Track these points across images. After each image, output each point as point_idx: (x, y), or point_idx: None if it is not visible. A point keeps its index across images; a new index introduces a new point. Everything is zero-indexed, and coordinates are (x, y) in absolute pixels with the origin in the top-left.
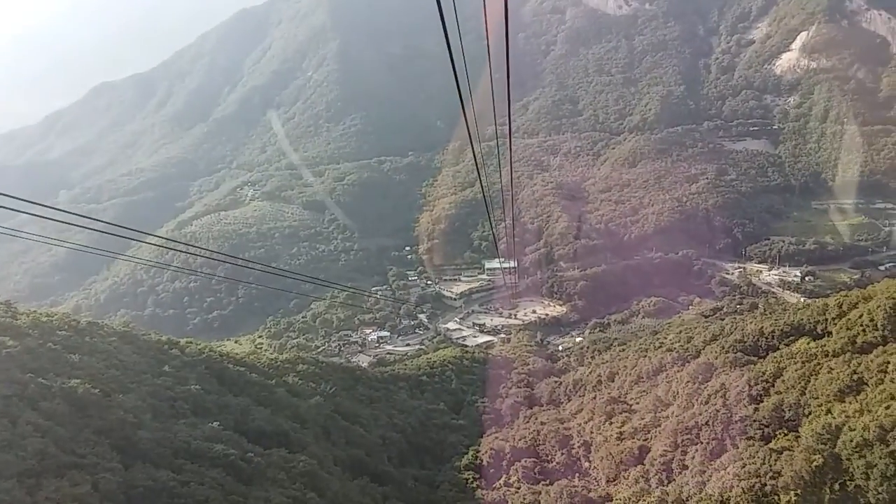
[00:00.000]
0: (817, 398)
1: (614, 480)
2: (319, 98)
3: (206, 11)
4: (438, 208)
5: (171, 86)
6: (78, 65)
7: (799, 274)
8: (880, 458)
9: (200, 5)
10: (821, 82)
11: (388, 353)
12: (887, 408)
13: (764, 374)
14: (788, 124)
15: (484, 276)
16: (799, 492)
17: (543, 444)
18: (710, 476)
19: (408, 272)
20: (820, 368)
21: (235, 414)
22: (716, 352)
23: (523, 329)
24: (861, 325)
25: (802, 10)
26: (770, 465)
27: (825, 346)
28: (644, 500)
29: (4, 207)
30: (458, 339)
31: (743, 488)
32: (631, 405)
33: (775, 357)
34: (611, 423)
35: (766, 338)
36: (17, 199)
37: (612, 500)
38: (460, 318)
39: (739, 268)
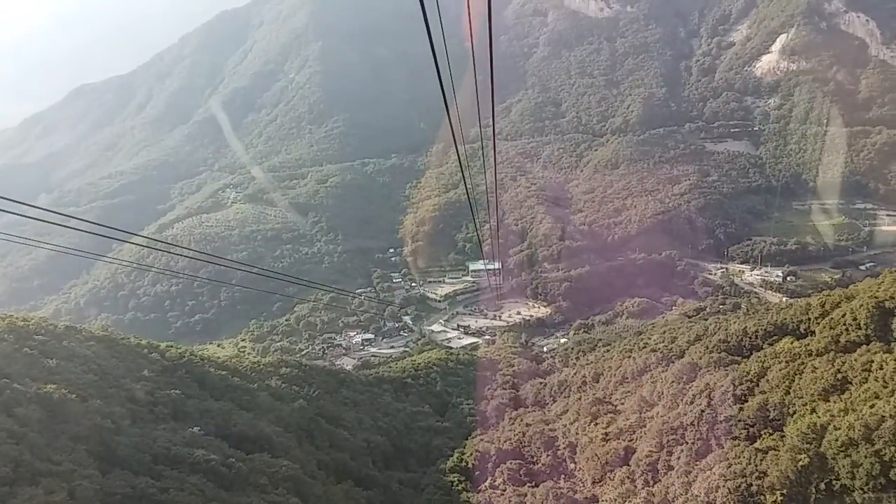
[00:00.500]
0: (802, 398)
1: (600, 481)
2: (302, 100)
3: (186, 13)
4: (422, 210)
5: (151, 88)
6: (57, 67)
7: (781, 274)
8: (866, 457)
9: (181, 7)
10: (801, 84)
11: (373, 356)
12: (872, 407)
13: (748, 373)
14: (769, 126)
15: (468, 278)
16: (785, 492)
17: (529, 445)
18: (696, 476)
19: (392, 274)
20: (804, 368)
21: (217, 418)
22: (700, 352)
23: (508, 330)
24: (844, 325)
25: (782, 13)
26: (756, 465)
27: (809, 345)
28: (630, 502)
29: None
30: (442, 341)
31: (729, 489)
32: (616, 406)
33: (759, 357)
34: (596, 424)
35: (750, 337)
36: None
37: (598, 502)
38: (445, 320)
39: (722, 268)
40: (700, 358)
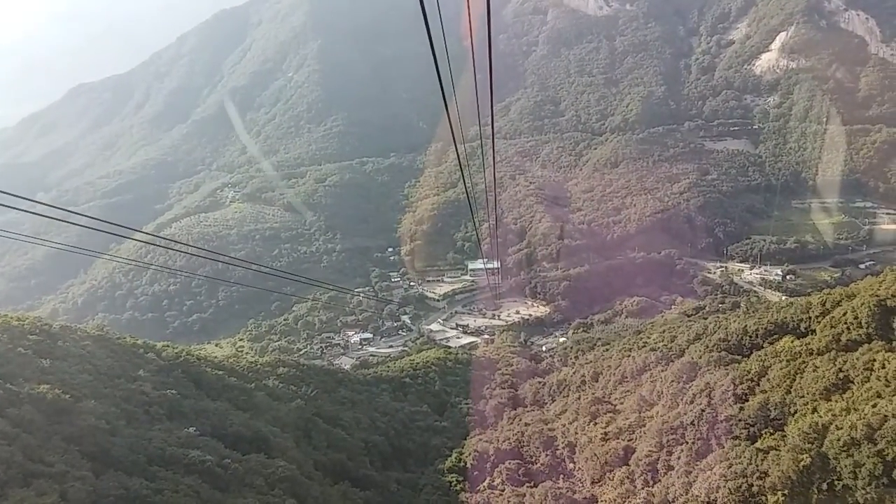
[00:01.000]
0: (803, 397)
1: (599, 481)
2: (300, 99)
3: (184, 12)
4: (421, 209)
5: (149, 87)
6: (55, 67)
7: (780, 273)
8: (868, 457)
9: (179, 6)
10: (800, 82)
11: (371, 355)
12: (874, 406)
13: (749, 372)
14: (768, 124)
15: (467, 277)
16: (786, 492)
17: (528, 445)
18: (697, 477)
19: (391, 273)
20: (805, 367)
21: (213, 419)
22: (700, 351)
23: (507, 330)
24: (845, 323)
25: (781, 11)
26: (757, 466)
27: (809, 344)
28: (630, 502)
29: None
30: (441, 340)
31: (730, 489)
32: (615, 405)
33: (759, 356)
34: (595, 424)
35: (750, 336)
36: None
37: (597, 502)
38: (444, 320)
39: (721, 267)
40: (700, 357)
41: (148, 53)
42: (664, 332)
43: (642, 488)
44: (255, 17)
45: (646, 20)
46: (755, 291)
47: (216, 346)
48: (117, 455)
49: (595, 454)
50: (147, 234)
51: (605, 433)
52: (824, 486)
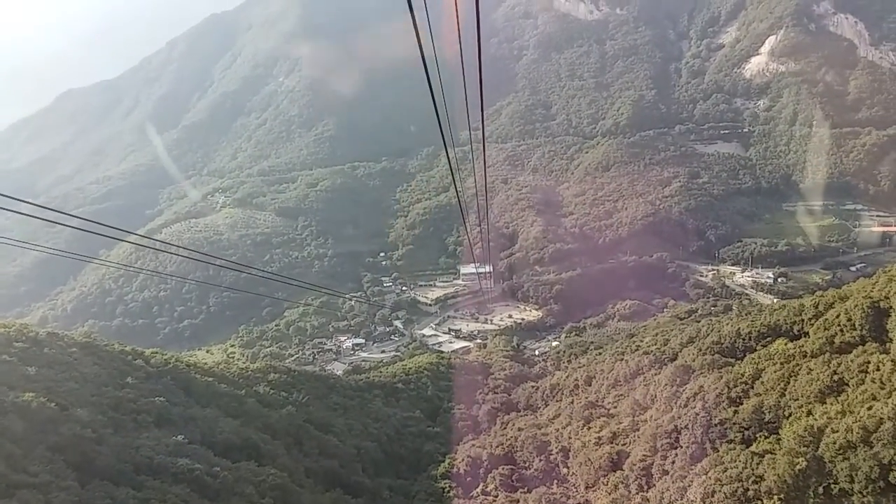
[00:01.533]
0: (797, 400)
1: (593, 487)
2: (291, 104)
3: (174, 17)
4: (413, 214)
5: (139, 92)
6: (44, 72)
7: (771, 275)
8: (864, 460)
9: (169, 11)
10: (790, 85)
11: (364, 361)
12: (869, 409)
13: (742, 375)
14: (758, 127)
15: (459, 282)
16: (782, 496)
17: (521, 450)
18: (692, 481)
19: (382, 278)
20: (799, 369)
21: (202, 426)
22: (693, 354)
23: (499, 334)
24: (839, 326)
25: (771, 15)
26: (752, 470)
27: (803, 346)
28: None
29: None
30: (433, 345)
31: (725, 493)
32: (609, 409)
33: (753, 358)
34: (589, 428)
35: (743, 339)
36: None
37: None
38: (436, 324)
39: (713, 270)
40: (693, 360)
41: (137, 59)
42: (657, 335)
43: (637, 493)
44: (246, 22)
45: (636, 24)
46: (747, 294)
47: (207, 352)
48: (103, 464)
49: (589, 459)
50: (137, 234)
51: (599, 437)
52: (820, 489)
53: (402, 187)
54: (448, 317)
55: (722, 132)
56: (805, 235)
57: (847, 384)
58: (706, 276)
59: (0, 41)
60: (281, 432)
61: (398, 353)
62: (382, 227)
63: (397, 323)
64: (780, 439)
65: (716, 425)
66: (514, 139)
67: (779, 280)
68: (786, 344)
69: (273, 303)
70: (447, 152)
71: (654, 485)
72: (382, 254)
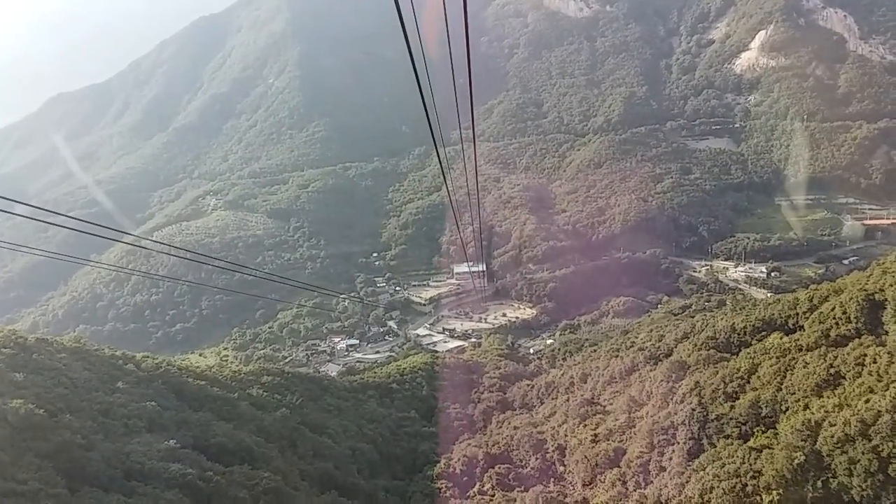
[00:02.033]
0: (794, 394)
1: (590, 484)
2: (282, 105)
3: (163, 20)
4: (405, 213)
5: (128, 96)
6: (33, 76)
7: (765, 270)
8: (863, 453)
9: (158, 14)
10: (780, 80)
11: (358, 362)
12: (867, 402)
13: (738, 370)
14: (750, 122)
15: (453, 281)
16: (781, 491)
17: (517, 449)
18: (690, 477)
19: (376, 279)
20: (795, 363)
21: (195, 430)
22: (688, 349)
23: (494, 333)
24: (834, 319)
25: (760, 10)
26: (750, 465)
27: (798, 340)
28: None
29: None
30: (428, 344)
31: (724, 489)
32: (605, 406)
33: (748, 353)
34: (585, 426)
35: (738, 334)
36: None
37: None
38: (430, 324)
39: (706, 265)
40: (688, 356)
41: (126, 62)
42: (651, 331)
43: (634, 490)
44: (235, 24)
45: (626, 21)
46: (740, 289)
47: (200, 355)
48: (93, 471)
49: (586, 456)
50: (133, 235)
51: (595, 435)
52: (819, 484)
53: (395, 187)
54: (442, 316)
55: (713, 128)
56: (797, 229)
57: (844, 377)
58: (699, 271)
59: None
60: (275, 435)
61: (392, 354)
62: (375, 228)
63: (391, 323)
64: (777, 434)
65: (712, 421)
66: (505, 137)
67: (772, 274)
68: (781, 338)
69: (266, 305)
70: (437, 151)
71: (652, 481)
72: (375, 254)
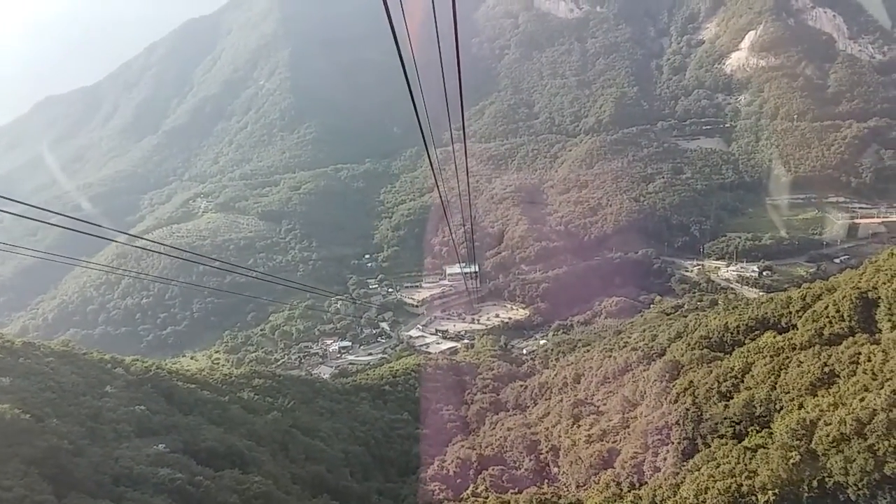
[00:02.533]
0: (788, 393)
1: (584, 485)
2: (272, 107)
3: (153, 22)
4: (397, 215)
5: (118, 98)
6: (22, 79)
7: (756, 269)
8: (859, 452)
9: (147, 16)
10: (770, 80)
11: (350, 364)
12: (862, 400)
13: (732, 369)
14: (740, 122)
15: (445, 282)
16: (777, 491)
17: (511, 450)
18: (684, 478)
19: (368, 280)
20: (789, 362)
21: (184, 434)
22: (681, 349)
23: (487, 334)
24: (827, 317)
25: (750, 10)
26: (745, 465)
27: (792, 339)
28: None
29: None
30: (421, 346)
31: (719, 489)
32: (598, 407)
33: (742, 352)
34: (578, 427)
35: (732, 333)
36: None
37: None
38: (423, 325)
39: (698, 265)
40: (682, 355)
41: (116, 64)
42: (644, 331)
43: (629, 491)
44: (226, 26)
45: (616, 22)
46: (732, 288)
47: (191, 359)
48: (81, 476)
49: (579, 457)
50: (129, 234)
51: (589, 435)
52: (815, 483)
53: (387, 188)
54: (435, 317)
55: (704, 127)
56: (789, 228)
57: (838, 376)
58: (692, 271)
59: None
60: (266, 438)
61: (385, 356)
62: (367, 229)
63: (384, 325)
64: (772, 433)
65: (706, 420)
66: (497, 138)
67: (764, 273)
68: (774, 337)
69: (258, 308)
70: (428, 153)
71: (647, 482)
72: (368, 256)
